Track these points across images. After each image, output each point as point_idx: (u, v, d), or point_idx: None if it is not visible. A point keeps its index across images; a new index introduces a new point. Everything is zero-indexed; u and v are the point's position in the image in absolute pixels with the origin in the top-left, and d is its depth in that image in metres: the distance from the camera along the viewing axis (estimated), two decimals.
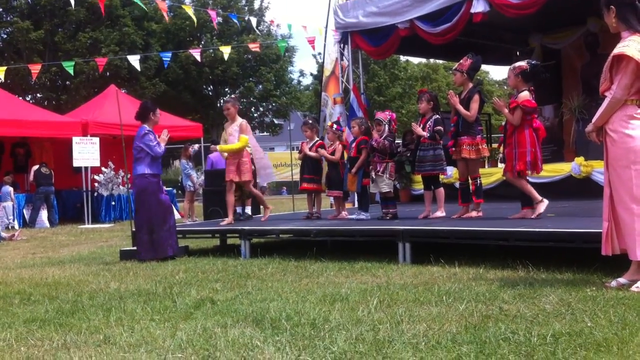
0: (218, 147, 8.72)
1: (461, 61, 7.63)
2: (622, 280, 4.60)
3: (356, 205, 9.47)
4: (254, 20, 20.84)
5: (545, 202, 6.87)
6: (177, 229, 8.21)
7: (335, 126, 9.05)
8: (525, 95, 6.72)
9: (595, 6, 9.39)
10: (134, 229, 9.06)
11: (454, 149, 7.57)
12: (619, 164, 4.56)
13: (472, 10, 10.26)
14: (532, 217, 6.83)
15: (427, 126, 7.79)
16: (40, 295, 5.53)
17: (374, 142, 8.04)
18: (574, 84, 13.18)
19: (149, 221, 7.72)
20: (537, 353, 3.13)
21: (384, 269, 6.05)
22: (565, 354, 3.10)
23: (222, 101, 38.50)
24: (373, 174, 8.01)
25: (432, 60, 43.31)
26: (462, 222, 7.12)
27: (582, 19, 12.42)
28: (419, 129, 7.85)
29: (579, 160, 9.83)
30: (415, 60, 45.70)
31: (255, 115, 39.39)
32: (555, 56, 13.53)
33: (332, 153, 8.76)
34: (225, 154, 8.82)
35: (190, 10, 18.50)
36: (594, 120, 4.75)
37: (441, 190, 8.01)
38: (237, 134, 8.66)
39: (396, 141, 8.46)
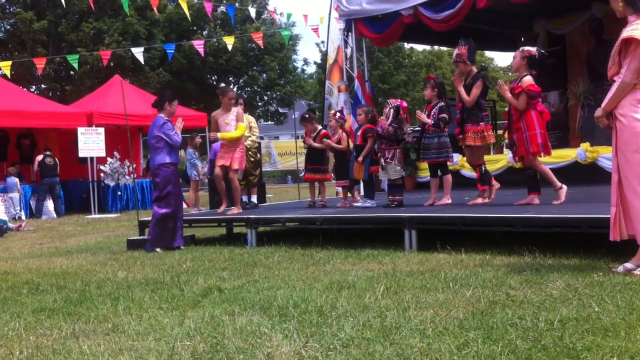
0: (219, 134, 8.63)
1: (457, 51, 7.58)
2: (629, 265, 4.59)
3: (362, 193, 9.45)
4: (253, 12, 20.75)
5: (565, 187, 6.87)
6: (184, 218, 8.24)
7: (338, 114, 9.02)
8: (529, 79, 6.72)
9: None
10: (140, 219, 9.12)
11: (460, 136, 7.56)
12: (628, 149, 4.53)
13: None
14: (555, 203, 6.82)
15: (432, 113, 7.77)
16: (49, 285, 5.57)
17: (379, 129, 8.03)
18: (579, 70, 13.10)
19: (170, 211, 7.72)
20: (545, 338, 3.14)
21: (390, 257, 6.06)
22: (573, 339, 3.10)
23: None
24: (382, 160, 7.98)
25: (436, 47, 43.06)
26: (468, 209, 7.12)
27: (586, 3, 12.33)
28: (423, 117, 7.83)
29: (585, 146, 9.80)
30: (419, 47, 45.50)
31: (259, 104, 39.35)
32: (560, 41, 13.44)
33: (338, 142, 8.74)
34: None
35: (184, 5, 18.33)
36: (603, 105, 4.71)
37: (449, 177, 7.99)
38: (234, 123, 8.58)
39: (407, 128, 8.41)
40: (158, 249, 7.61)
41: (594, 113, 4.93)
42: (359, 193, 9.29)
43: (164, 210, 7.71)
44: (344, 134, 8.80)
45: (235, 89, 38.21)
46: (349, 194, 9.00)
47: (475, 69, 7.55)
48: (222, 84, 10.33)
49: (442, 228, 6.66)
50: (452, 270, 5.08)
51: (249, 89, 37.87)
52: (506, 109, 7.11)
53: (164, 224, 7.72)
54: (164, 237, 7.72)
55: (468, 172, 10.21)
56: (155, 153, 7.83)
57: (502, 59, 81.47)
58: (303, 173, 9.59)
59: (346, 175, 8.76)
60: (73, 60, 18.24)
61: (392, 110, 7.93)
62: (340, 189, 9.21)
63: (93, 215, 15.90)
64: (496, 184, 7.68)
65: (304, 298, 4.34)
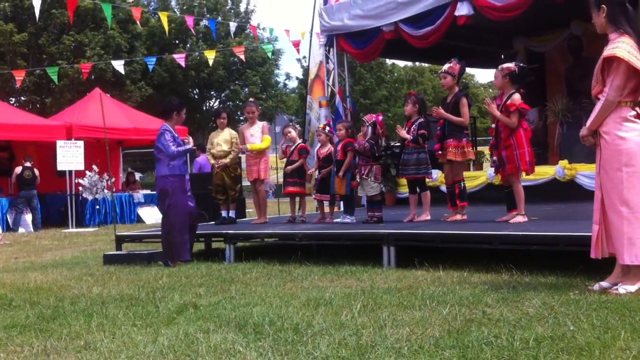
0: (248, 145, 8.95)
1: (450, 64, 7.64)
2: (604, 283, 4.61)
3: (342, 208, 9.43)
4: (233, 26, 20.77)
5: (526, 219, 6.88)
6: (160, 233, 8.14)
7: (327, 128, 8.98)
8: (519, 97, 6.77)
9: (579, 9, 9.52)
10: (117, 233, 9.03)
11: (440, 152, 7.58)
12: (611, 167, 4.55)
13: (456, 13, 10.26)
14: (508, 220, 6.86)
15: (412, 129, 7.80)
16: (22, 301, 5.47)
17: (356, 145, 8.05)
18: (557, 87, 13.23)
19: (169, 223, 7.57)
20: (520, 357, 3.13)
21: (369, 273, 6.04)
22: (548, 358, 3.09)
23: (209, 104, 38.53)
24: (358, 177, 8.01)
25: (417, 63, 43.37)
26: (446, 226, 7.13)
27: (565, 22, 12.47)
28: (403, 132, 7.86)
29: (563, 163, 9.86)
30: (401, 63, 45.82)
31: (241, 118, 39.29)
32: (539, 59, 13.57)
33: (328, 155, 8.59)
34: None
35: (164, 19, 18.31)
36: (587, 123, 4.72)
37: (427, 193, 8.01)
38: (260, 135, 9.03)
39: (384, 144, 8.44)
40: (170, 263, 7.43)
41: (572, 130, 4.97)
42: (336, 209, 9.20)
43: (163, 222, 7.65)
44: (332, 148, 8.69)
45: (217, 103, 38.24)
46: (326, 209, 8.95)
47: (457, 88, 7.62)
48: (250, 99, 10.84)
49: (420, 245, 6.65)
50: (429, 288, 5.06)
51: (230, 103, 37.81)
52: (492, 125, 7.12)
53: (168, 237, 7.56)
54: (169, 250, 7.56)
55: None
56: (157, 164, 7.72)
57: (482, 75, 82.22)
58: (283, 188, 9.55)
59: (328, 189, 8.67)
60: (53, 73, 18.12)
61: (369, 128, 7.95)
62: (323, 203, 9.09)
63: (70, 230, 15.72)
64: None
65: (280, 315, 4.30)
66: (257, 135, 9.07)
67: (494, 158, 7.18)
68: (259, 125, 9.19)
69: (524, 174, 6.97)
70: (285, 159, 9.08)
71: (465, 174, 7.85)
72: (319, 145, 8.95)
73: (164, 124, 7.77)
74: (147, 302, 5.11)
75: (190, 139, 8.33)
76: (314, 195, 9.04)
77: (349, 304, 4.58)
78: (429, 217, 7.81)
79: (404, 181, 10.38)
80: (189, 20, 18.54)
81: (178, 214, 7.59)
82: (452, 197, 7.68)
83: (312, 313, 4.35)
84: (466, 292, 4.78)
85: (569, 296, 4.43)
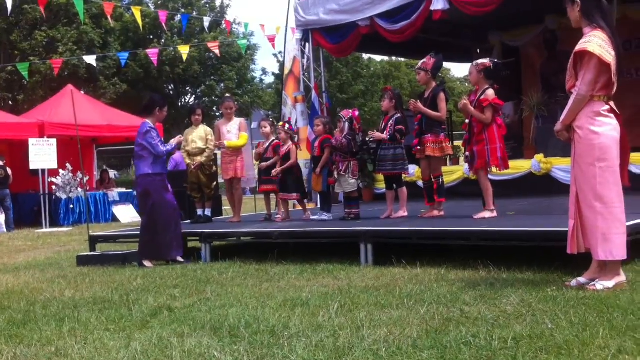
0: (225, 142, 8.78)
1: (424, 60, 7.60)
2: (582, 279, 4.61)
3: (319, 205, 9.37)
4: (207, 21, 20.59)
5: (495, 215, 6.87)
6: (135, 233, 8.02)
7: (287, 126, 8.76)
8: (492, 93, 6.76)
9: (554, 4, 9.54)
10: (91, 233, 8.89)
11: (418, 147, 7.55)
12: (584, 161, 4.54)
13: (432, 8, 10.28)
14: (474, 217, 6.85)
15: (389, 125, 7.76)
16: None
17: (333, 141, 7.98)
18: (533, 81, 13.29)
19: (152, 222, 7.43)
20: (498, 357, 3.10)
21: (346, 271, 5.99)
22: (527, 358, 3.07)
23: (184, 100, 38.20)
24: (336, 173, 7.94)
25: (394, 58, 43.46)
26: (424, 222, 7.11)
27: (540, 16, 12.52)
28: (378, 134, 7.84)
29: (539, 157, 9.90)
30: (377, 58, 45.86)
31: (217, 114, 39.07)
32: (515, 53, 13.62)
33: (287, 153, 8.46)
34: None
35: (138, 14, 18.10)
36: (561, 118, 4.70)
37: (404, 189, 7.98)
38: (237, 132, 8.86)
39: (360, 139, 8.39)
40: (146, 263, 7.33)
41: (548, 124, 4.95)
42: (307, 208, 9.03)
43: (144, 223, 7.51)
44: (293, 146, 8.55)
45: (192, 99, 37.96)
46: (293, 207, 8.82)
47: (434, 83, 7.59)
48: (227, 95, 10.70)
49: (398, 242, 6.61)
50: (407, 286, 5.02)
51: (206, 98, 37.53)
52: (466, 121, 7.11)
53: (150, 236, 7.42)
54: (150, 249, 7.44)
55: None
56: (139, 161, 7.53)
57: (458, 69, 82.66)
58: (258, 185, 9.45)
59: (293, 188, 8.53)
60: (23, 69, 17.83)
61: (346, 124, 7.90)
62: (287, 202, 8.94)
63: (44, 230, 15.47)
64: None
65: (256, 317, 4.24)
66: (233, 132, 8.90)
67: (467, 153, 7.18)
68: (236, 121, 9.02)
69: (494, 169, 6.98)
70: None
71: (443, 169, 7.83)
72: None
73: (145, 121, 7.58)
74: (120, 305, 5.02)
75: (179, 137, 8.20)
76: (280, 195, 8.72)
77: (326, 304, 4.52)
78: (406, 214, 7.77)
79: (381, 177, 10.35)
80: (162, 15, 18.33)
81: (163, 213, 7.48)
82: (430, 192, 7.65)
83: (288, 314, 4.29)
84: (444, 290, 4.75)
85: (547, 293, 4.42)
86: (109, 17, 17.94)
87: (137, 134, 7.59)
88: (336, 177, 7.96)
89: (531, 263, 5.49)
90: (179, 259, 7.48)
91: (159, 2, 35.64)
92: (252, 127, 23.77)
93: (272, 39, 17.32)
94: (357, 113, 8.13)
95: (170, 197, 7.64)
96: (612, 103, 4.60)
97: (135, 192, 19.32)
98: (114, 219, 17.78)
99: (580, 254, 4.67)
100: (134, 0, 35.69)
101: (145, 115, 7.68)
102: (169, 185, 7.75)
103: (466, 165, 8.86)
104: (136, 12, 17.33)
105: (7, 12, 25.07)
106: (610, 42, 4.50)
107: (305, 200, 9.16)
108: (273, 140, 8.85)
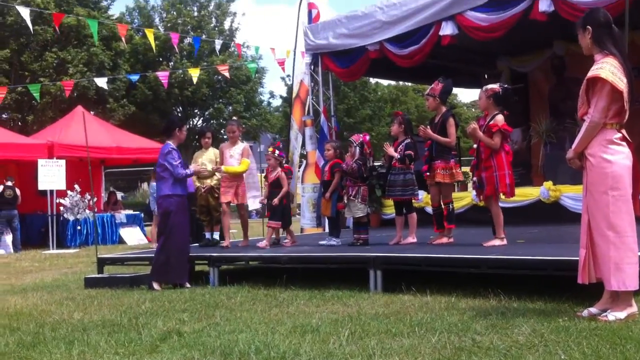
0: (223, 167, 8.59)
1: (432, 85, 7.62)
2: (593, 310, 4.56)
3: (327, 230, 9.36)
4: (218, 44, 20.77)
5: (505, 243, 6.84)
6: (143, 255, 8.02)
7: (277, 152, 8.62)
8: (502, 118, 6.74)
9: (562, 29, 9.59)
10: (99, 256, 8.89)
11: (428, 173, 7.54)
12: (596, 189, 4.51)
13: (441, 33, 10.33)
14: (484, 244, 6.81)
15: (399, 150, 7.78)
16: (1, 327, 5.35)
17: (344, 165, 7.99)
18: (541, 107, 13.31)
19: (169, 244, 7.43)
20: None
21: (355, 298, 5.96)
22: None
23: (192, 122, 38.32)
24: (345, 198, 7.94)
25: (401, 82, 43.63)
26: (434, 249, 7.07)
27: (548, 42, 12.58)
28: (391, 150, 7.82)
29: (548, 184, 9.86)
30: (384, 82, 46.05)
31: (224, 137, 39.21)
32: (523, 79, 13.67)
33: (276, 180, 8.38)
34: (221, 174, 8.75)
35: (150, 36, 18.32)
36: (573, 146, 4.67)
37: (414, 215, 7.97)
38: (239, 157, 8.63)
39: (375, 164, 8.36)
40: (155, 285, 7.33)
41: (556, 151, 4.94)
42: (272, 235, 8.70)
43: (161, 243, 7.51)
44: (282, 173, 8.46)
45: (200, 122, 38.12)
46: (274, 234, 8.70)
47: (444, 108, 7.59)
48: (233, 118, 10.57)
49: (408, 269, 6.58)
50: (417, 314, 4.99)
51: (214, 121, 37.70)
52: (474, 146, 7.10)
53: (165, 257, 7.42)
54: (163, 270, 7.43)
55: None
56: (160, 183, 7.58)
57: (465, 95, 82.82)
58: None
59: (279, 216, 8.42)
60: (35, 90, 17.97)
61: (357, 149, 7.91)
62: (277, 230, 8.72)
63: (51, 251, 15.49)
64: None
65: (266, 343, 4.21)
66: (236, 156, 8.66)
67: (474, 179, 7.16)
68: (240, 146, 8.80)
69: (502, 196, 6.95)
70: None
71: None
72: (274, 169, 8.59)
73: (167, 142, 7.65)
74: (129, 329, 5.00)
75: (200, 166, 8.33)
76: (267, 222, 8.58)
77: (337, 330, 4.50)
78: (415, 240, 7.75)
79: (388, 202, 10.34)
80: (174, 38, 18.51)
81: (180, 236, 7.51)
82: (439, 219, 7.63)
83: (299, 340, 4.27)
84: (454, 319, 4.72)
85: (559, 323, 4.38)
86: (122, 38, 18.09)
87: (159, 155, 7.66)
88: (346, 202, 7.96)
89: (542, 292, 5.45)
90: (187, 285, 7.47)
91: (169, 25, 35.96)
92: (260, 149, 23.81)
93: (281, 63, 17.43)
94: (367, 138, 8.15)
95: (188, 220, 7.67)
96: (624, 131, 4.60)
97: (142, 214, 19.52)
98: (121, 240, 17.81)
99: (591, 283, 4.64)
100: (144, 22, 36.08)
101: (165, 137, 7.73)
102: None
103: (474, 192, 8.85)
104: (149, 34, 17.52)
105: (22, 34, 25.38)
106: (622, 69, 4.50)
107: (308, 226, 9.09)
108: (279, 171, 8.91)
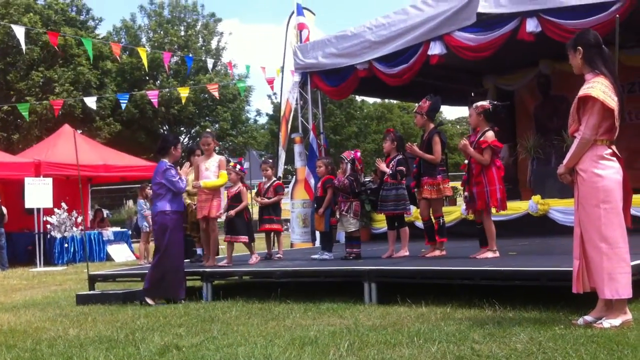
0: (201, 182, 8.26)
1: (420, 103, 7.76)
2: (588, 317, 4.65)
3: (318, 244, 9.40)
4: (210, 62, 20.87)
5: (497, 255, 6.93)
6: (134, 271, 8.00)
7: (238, 167, 8.54)
8: (492, 135, 6.87)
9: (547, 49, 9.76)
10: (90, 272, 8.84)
11: (416, 189, 7.67)
12: (589, 203, 4.62)
13: (429, 52, 10.47)
14: (477, 256, 6.90)
15: (391, 165, 7.88)
16: None
17: (336, 182, 8.07)
18: (527, 124, 13.50)
19: (165, 260, 7.42)
20: None
21: (351, 310, 6.00)
22: None
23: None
24: (338, 213, 8.03)
25: (387, 100, 43.91)
26: (427, 262, 7.15)
27: (534, 61, 12.80)
28: (383, 165, 7.92)
29: (536, 198, 10.01)
30: (370, 100, 46.35)
31: None
32: (509, 97, 13.83)
33: (237, 195, 8.27)
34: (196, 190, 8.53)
35: (143, 54, 18.40)
36: (565, 161, 4.80)
37: (406, 229, 8.07)
38: (216, 170, 8.34)
39: (365, 179, 8.46)
40: (149, 300, 7.32)
41: (543, 167, 5.04)
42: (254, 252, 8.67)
43: (156, 260, 7.50)
44: (243, 187, 8.41)
45: (187, 139, 38.08)
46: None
47: (432, 125, 7.72)
48: (207, 130, 10.39)
49: (402, 281, 6.63)
50: (414, 324, 5.04)
51: (200, 139, 37.68)
52: (465, 161, 7.22)
53: (161, 274, 7.40)
54: (159, 287, 7.41)
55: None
56: (156, 200, 7.59)
57: (451, 112, 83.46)
58: (258, 225, 9.45)
59: (243, 230, 8.29)
60: (23, 109, 17.90)
61: (348, 165, 7.99)
62: (232, 244, 8.45)
63: (38, 269, 15.36)
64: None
65: (266, 355, 4.24)
66: (212, 169, 8.35)
67: (466, 194, 7.27)
68: (216, 158, 8.45)
69: (493, 210, 7.06)
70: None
71: None
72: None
73: (162, 160, 7.64)
74: (126, 344, 4.99)
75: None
76: (226, 237, 8.38)
77: (335, 342, 4.53)
78: (407, 253, 7.83)
79: (378, 216, 10.41)
80: (166, 57, 18.61)
81: (177, 252, 7.52)
82: (430, 232, 7.72)
83: (298, 352, 4.29)
84: (452, 328, 4.77)
85: (555, 331, 4.45)
86: (117, 56, 18.19)
87: (154, 173, 7.67)
88: (338, 217, 8.04)
89: (536, 302, 5.52)
90: (182, 301, 7.47)
91: (156, 44, 36.02)
92: (245, 166, 23.83)
93: (270, 81, 17.55)
94: (359, 154, 8.23)
95: (183, 237, 7.68)
96: (614, 147, 4.72)
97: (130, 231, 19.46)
98: (109, 258, 17.70)
99: (584, 292, 4.72)
100: (130, 42, 36.13)
101: (160, 156, 7.74)
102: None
103: (464, 206, 8.96)
104: (142, 52, 17.58)
105: (7, 53, 25.32)
106: (613, 88, 4.64)
107: (298, 241, 9.03)
108: (274, 181, 8.97)
